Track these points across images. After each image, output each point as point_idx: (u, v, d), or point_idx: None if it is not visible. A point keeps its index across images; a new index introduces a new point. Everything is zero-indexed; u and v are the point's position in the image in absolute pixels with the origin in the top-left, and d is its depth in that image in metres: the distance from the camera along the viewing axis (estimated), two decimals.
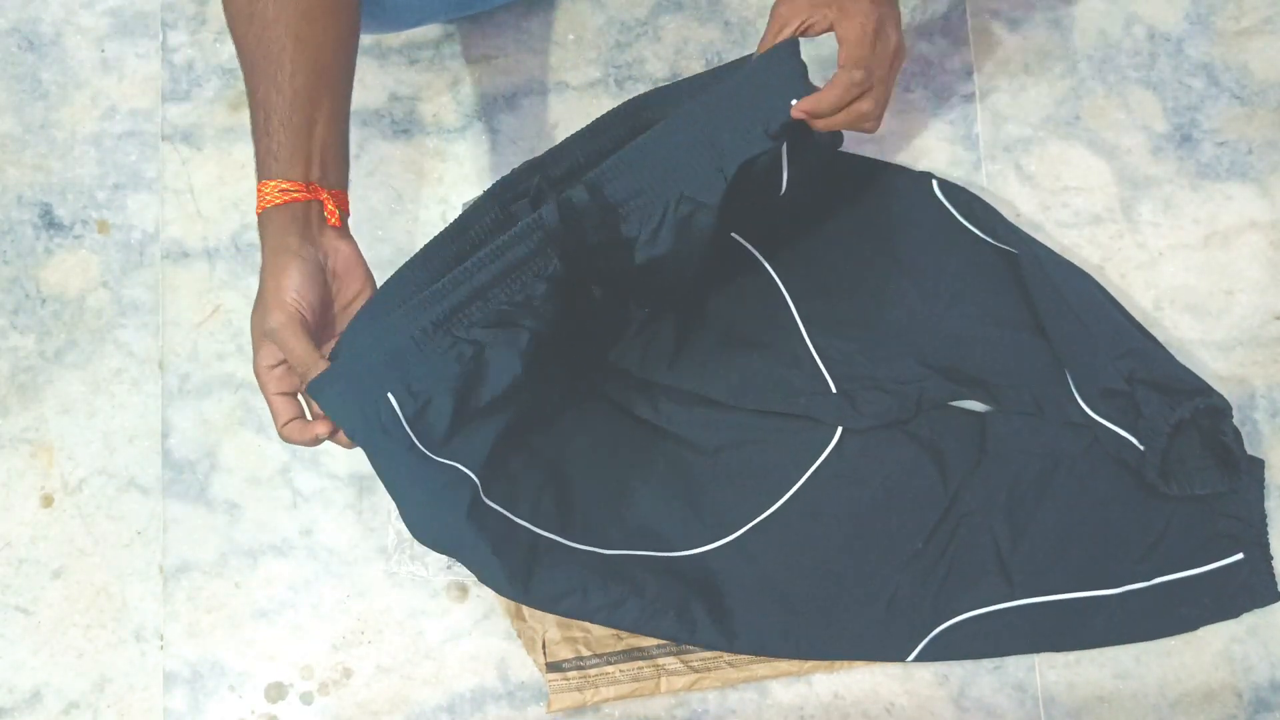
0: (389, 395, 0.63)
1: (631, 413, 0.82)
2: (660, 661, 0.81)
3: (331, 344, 0.65)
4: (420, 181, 0.90)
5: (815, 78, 0.70)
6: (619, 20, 0.91)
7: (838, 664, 0.81)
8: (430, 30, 0.91)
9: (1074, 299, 0.80)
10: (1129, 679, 0.82)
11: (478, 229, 0.69)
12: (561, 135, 0.89)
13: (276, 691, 0.84)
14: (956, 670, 0.82)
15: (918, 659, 0.80)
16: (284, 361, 0.63)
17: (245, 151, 0.91)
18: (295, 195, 0.63)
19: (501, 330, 0.65)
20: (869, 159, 0.87)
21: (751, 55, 0.71)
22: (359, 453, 0.65)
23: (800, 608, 0.80)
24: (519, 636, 0.83)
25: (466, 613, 0.84)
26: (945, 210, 0.85)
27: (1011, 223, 0.84)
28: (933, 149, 0.89)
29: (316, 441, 0.64)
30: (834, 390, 0.82)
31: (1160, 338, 0.83)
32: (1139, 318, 0.84)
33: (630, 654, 0.81)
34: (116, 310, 0.90)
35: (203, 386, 0.88)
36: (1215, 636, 0.82)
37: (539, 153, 0.72)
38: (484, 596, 0.84)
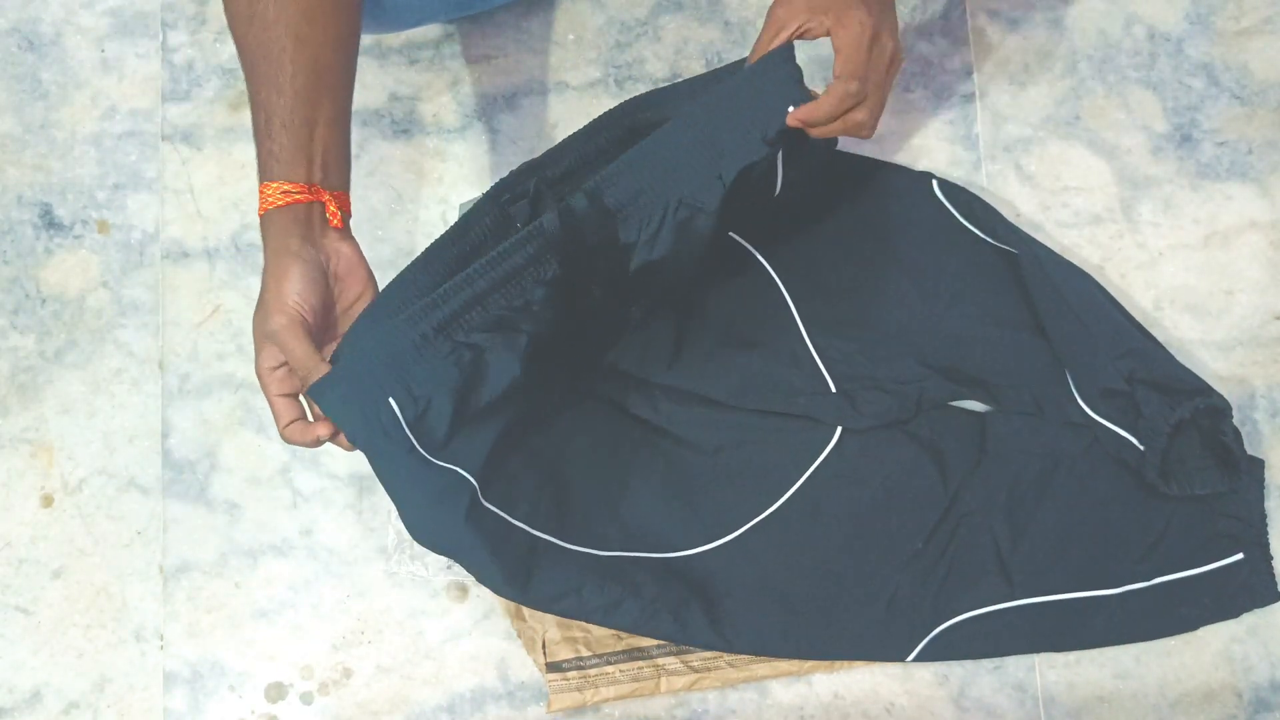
0: (390, 399, 0.63)
1: (631, 413, 0.82)
2: (660, 661, 0.81)
3: (333, 346, 0.65)
4: (420, 181, 0.90)
5: (815, 78, 0.70)
6: (619, 20, 0.91)
7: (838, 664, 0.81)
8: (430, 30, 0.91)
9: (1074, 299, 0.80)
10: (1129, 679, 0.82)
11: (477, 231, 0.69)
12: (561, 135, 0.88)
13: (276, 691, 0.84)
14: (956, 670, 0.82)
15: (918, 659, 0.80)
16: (286, 363, 0.63)
17: (245, 151, 0.91)
18: (297, 197, 0.63)
19: (500, 334, 0.66)
20: (869, 159, 0.87)
21: (747, 58, 0.71)
22: (359, 453, 0.65)
23: (800, 608, 0.80)
24: (519, 636, 0.83)
25: (466, 613, 0.84)
26: (945, 210, 0.85)
27: (1011, 223, 0.84)
28: (933, 149, 0.89)
29: (318, 443, 0.64)
30: (834, 390, 0.82)
31: (1160, 338, 0.83)
32: (1139, 318, 0.84)
33: (630, 654, 0.81)
34: (116, 310, 0.90)
35: (203, 386, 0.88)
36: (1215, 636, 0.82)
37: (539, 152, 0.73)
38: (484, 596, 0.84)
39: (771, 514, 0.81)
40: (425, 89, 0.91)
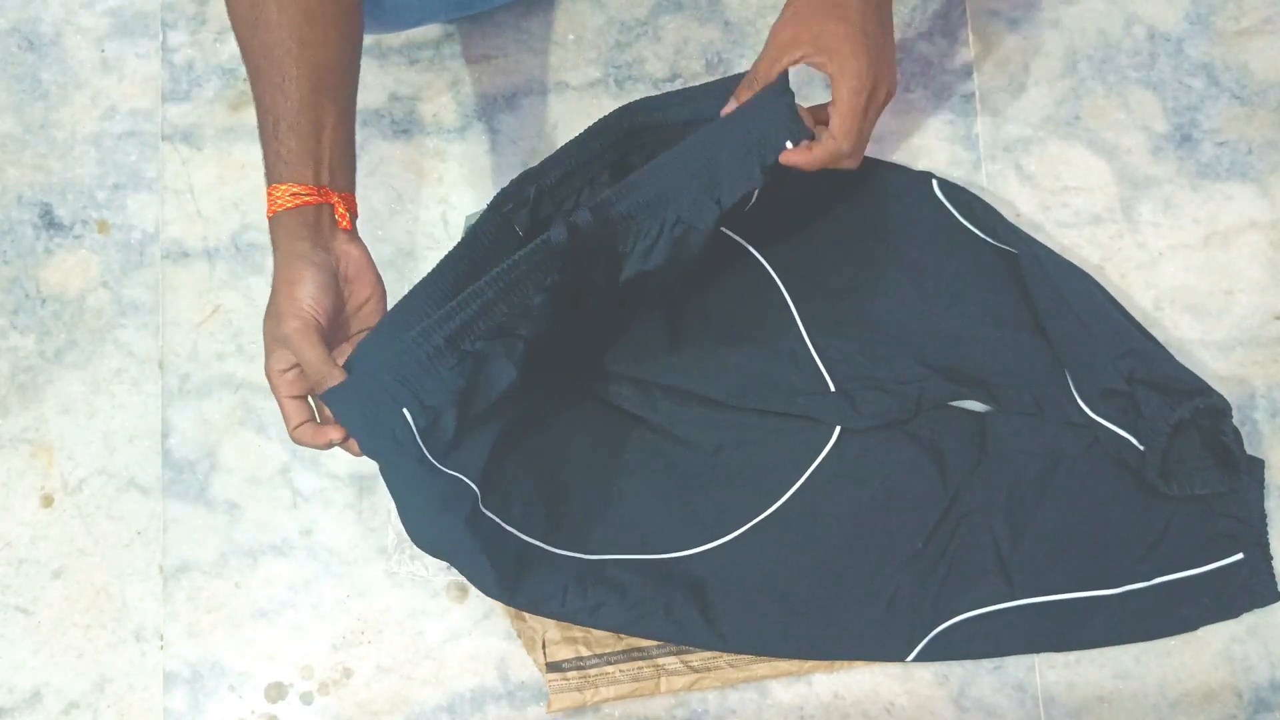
0: (404, 410, 0.64)
1: (630, 413, 0.82)
2: (660, 661, 0.81)
3: (344, 347, 0.66)
4: (420, 181, 0.90)
5: (813, 80, 0.70)
6: (619, 20, 0.91)
7: (838, 664, 0.81)
8: (430, 30, 0.91)
9: (1074, 299, 0.80)
10: (1129, 679, 0.82)
11: (484, 240, 0.71)
12: (561, 135, 0.89)
13: (276, 691, 0.84)
14: (956, 670, 0.82)
15: (917, 659, 0.80)
16: (296, 365, 0.63)
17: (245, 151, 0.91)
18: (306, 199, 0.63)
19: (500, 341, 0.67)
20: (869, 158, 0.87)
21: (748, 72, 0.72)
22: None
23: (800, 608, 0.80)
24: (519, 636, 0.83)
25: (466, 613, 0.84)
26: (945, 210, 0.85)
27: (1011, 223, 0.84)
28: (933, 149, 0.89)
29: (329, 446, 0.64)
30: (833, 390, 0.82)
31: (1160, 338, 0.83)
32: (1139, 318, 0.84)
33: (630, 654, 0.81)
34: (116, 310, 0.90)
35: (203, 386, 0.88)
36: (1215, 636, 0.82)
37: (539, 152, 0.74)
38: (484, 597, 0.84)
39: (771, 514, 0.81)
40: (425, 89, 0.91)
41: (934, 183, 0.86)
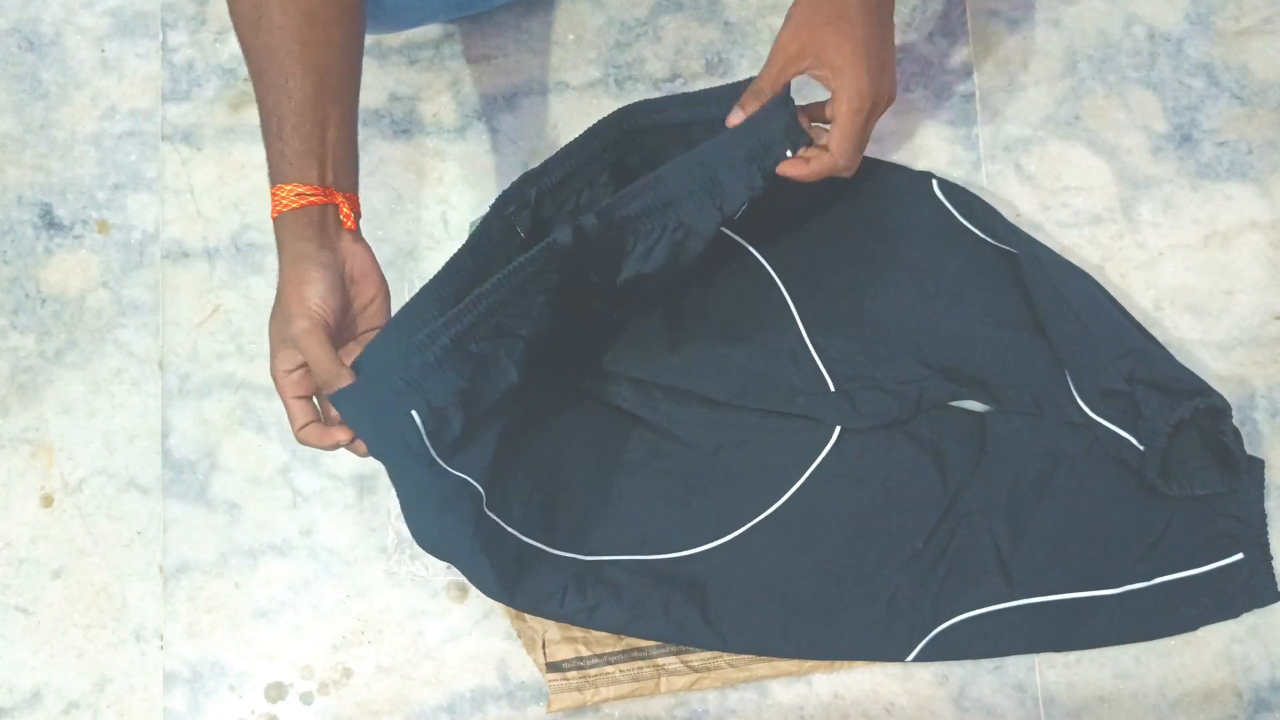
0: (413, 412, 0.64)
1: (630, 413, 0.82)
2: (660, 661, 0.81)
3: (351, 347, 0.66)
4: (420, 181, 0.90)
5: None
6: (619, 20, 0.91)
7: (838, 664, 0.81)
8: (430, 30, 0.91)
9: (1074, 299, 0.80)
10: (1129, 679, 0.82)
11: (487, 242, 0.71)
12: (561, 135, 0.89)
13: (276, 691, 0.84)
14: (956, 670, 0.82)
15: (917, 659, 0.80)
16: (302, 365, 0.63)
17: (245, 151, 0.91)
18: (311, 199, 0.63)
19: (501, 341, 0.67)
20: (868, 158, 0.87)
21: (749, 79, 0.73)
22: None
23: (800, 608, 0.80)
24: (519, 636, 0.83)
25: (466, 613, 0.84)
26: (945, 210, 0.85)
27: (1011, 223, 0.84)
28: (933, 149, 0.89)
29: (335, 447, 0.64)
30: (833, 390, 0.82)
31: (1160, 338, 0.83)
32: (1139, 318, 0.84)
33: (630, 654, 0.81)
34: (116, 310, 0.90)
35: (203, 386, 0.88)
36: (1215, 636, 0.82)
37: (539, 152, 0.74)
38: (484, 596, 0.84)
39: (771, 514, 0.81)
40: (425, 89, 0.91)
41: (934, 183, 0.86)
